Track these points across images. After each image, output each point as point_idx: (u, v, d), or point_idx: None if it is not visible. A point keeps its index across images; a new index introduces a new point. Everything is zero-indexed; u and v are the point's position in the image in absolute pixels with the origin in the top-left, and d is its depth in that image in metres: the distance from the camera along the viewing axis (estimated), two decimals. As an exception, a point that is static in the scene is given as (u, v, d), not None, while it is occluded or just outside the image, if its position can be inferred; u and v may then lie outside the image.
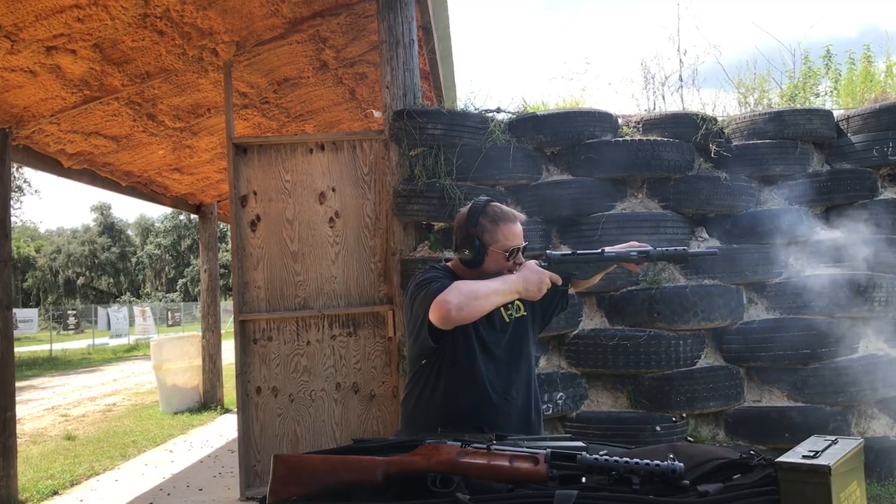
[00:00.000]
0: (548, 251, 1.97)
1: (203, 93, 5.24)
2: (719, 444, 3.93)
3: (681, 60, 4.83)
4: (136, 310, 26.41)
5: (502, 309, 2.00)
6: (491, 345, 1.98)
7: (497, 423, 1.88)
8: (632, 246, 2.02)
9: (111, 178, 6.48)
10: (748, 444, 3.83)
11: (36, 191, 38.32)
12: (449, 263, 2.10)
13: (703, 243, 4.19)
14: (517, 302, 2.03)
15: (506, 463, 1.50)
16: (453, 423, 1.84)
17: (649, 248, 1.97)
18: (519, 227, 1.99)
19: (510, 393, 1.97)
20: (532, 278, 1.87)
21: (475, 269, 1.97)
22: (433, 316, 1.79)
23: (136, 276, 46.24)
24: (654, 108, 4.73)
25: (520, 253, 1.97)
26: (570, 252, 1.99)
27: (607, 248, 2.01)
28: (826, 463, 1.22)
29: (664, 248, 1.96)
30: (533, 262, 1.93)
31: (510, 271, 1.93)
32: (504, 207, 2.02)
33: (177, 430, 7.64)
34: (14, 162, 5.17)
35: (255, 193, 4.39)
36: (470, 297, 1.79)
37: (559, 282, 1.92)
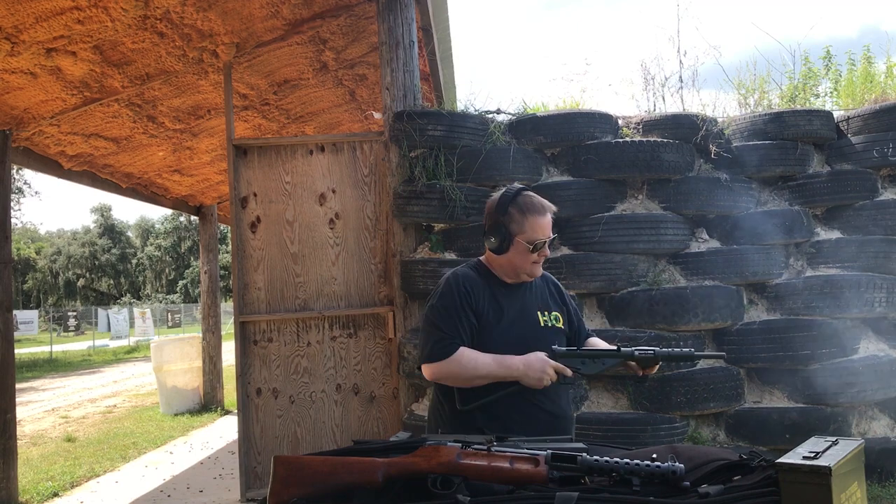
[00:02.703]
0: (554, 346, 1.95)
1: (203, 94, 5.24)
2: (720, 445, 3.92)
3: (681, 61, 4.83)
4: (136, 311, 26.42)
5: (539, 313, 2.06)
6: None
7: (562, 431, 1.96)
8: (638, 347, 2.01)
9: (111, 180, 6.49)
10: (748, 445, 3.82)
11: (36, 192, 38.48)
12: (482, 258, 2.13)
13: (704, 244, 4.19)
14: (555, 312, 2.09)
15: (506, 464, 1.50)
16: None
17: (655, 349, 1.94)
18: (548, 220, 2.01)
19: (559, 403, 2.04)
20: (535, 369, 1.89)
21: (500, 255, 2.02)
22: (425, 369, 1.96)
23: (137, 277, 46.25)
24: (654, 110, 4.73)
25: (546, 246, 2.01)
26: (575, 348, 2.01)
27: (614, 347, 1.98)
28: (826, 464, 1.22)
29: (670, 350, 1.94)
30: (542, 354, 1.93)
31: (531, 268, 2.01)
32: (535, 198, 2.02)
33: (177, 431, 7.64)
34: (14, 164, 5.17)
35: (255, 195, 4.39)
36: (460, 379, 1.93)
37: (568, 373, 1.92)
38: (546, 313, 2.07)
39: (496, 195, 2.06)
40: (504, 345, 1.96)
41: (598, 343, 2.17)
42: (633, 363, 1.95)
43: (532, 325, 2.03)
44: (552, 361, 1.90)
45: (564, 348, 1.96)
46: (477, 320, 1.98)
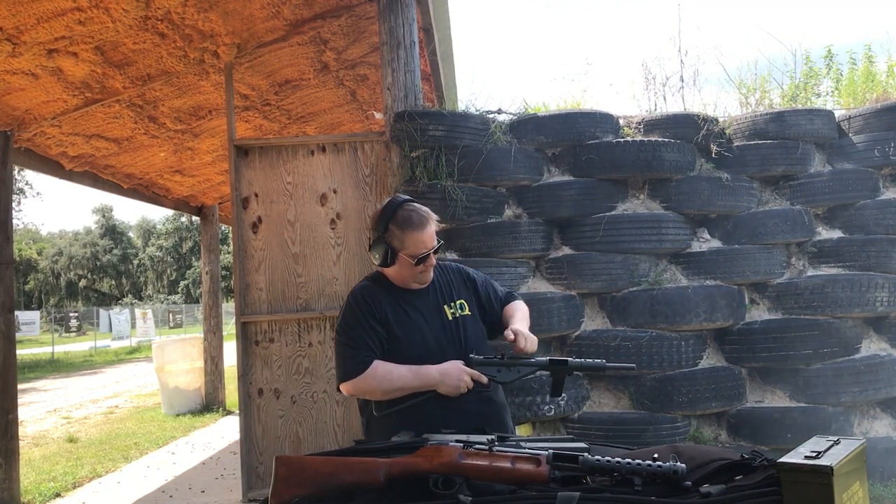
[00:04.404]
0: (472, 355, 1.96)
1: (204, 95, 5.25)
2: (721, 444, 3.92)
3: (682, 61, 4.83)
4: (138, 312, 26.45)
5: (445, 307, 2.07)
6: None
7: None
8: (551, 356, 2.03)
9: (113, 181, 6.49)
10: (750, 445, 3.82)
11: (38, 193, 38.53)
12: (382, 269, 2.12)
13: (705, 244, 4.19)
14: (460, 300, 2.10)
15: (508, 464, 1.50)
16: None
17: (568, 359, 1.95)
18: (429, 232, 2.00)
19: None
20: (451, 377, 1.91)
21: (388, 268, 2.04)
22: (343, 388, 1.99)
23: (138, 278, 46.27)
24: (656, 109, 4.73)
25: (431, 255, 2.01)
26: (492, 356, 2.00)
27: (529, 358, 1.99)
28: (828, 463, 1.22)
29: (582, 360, 1.96)
30: (459, 362, 1.94)
31: (419, 277, 2.03)
32: (415, 212, 2.00)
33: (179, 431, 7.65)
34: (16, 164, 5.18)
35: (256, 195, 4.39)
36: (378, 393, 1.95)
37: (484, 380, 1.93)
38: (452, 304, 2.08)
39: (379, 208, 2.05)
40: (416, 349, 1.97)
41: (517, 309, 2.16)
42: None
43: (440, 321, 2.04)
44: (468, 369, 1.92)
45: (481, 357, 1.96)
46: (385, 330, 1.99)
